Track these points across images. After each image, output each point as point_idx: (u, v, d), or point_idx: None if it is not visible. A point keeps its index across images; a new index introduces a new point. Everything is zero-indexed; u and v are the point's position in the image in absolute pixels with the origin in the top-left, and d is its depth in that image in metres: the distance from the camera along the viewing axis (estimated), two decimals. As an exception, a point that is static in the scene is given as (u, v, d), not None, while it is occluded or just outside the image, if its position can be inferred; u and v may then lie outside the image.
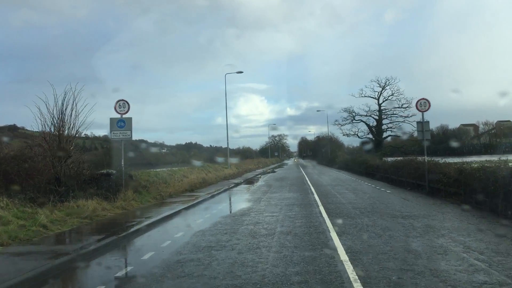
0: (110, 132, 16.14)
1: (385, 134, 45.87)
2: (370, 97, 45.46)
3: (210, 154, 60.20)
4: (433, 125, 41.00)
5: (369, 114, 45.58)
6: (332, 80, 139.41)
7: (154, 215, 12.52)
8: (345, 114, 47.10)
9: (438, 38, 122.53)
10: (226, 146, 43.24)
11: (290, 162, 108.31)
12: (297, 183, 26.38)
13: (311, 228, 9.74)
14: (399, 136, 44.98)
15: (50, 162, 14.74)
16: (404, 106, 43.30)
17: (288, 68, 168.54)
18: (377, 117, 45.69)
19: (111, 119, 16.14)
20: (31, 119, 14.54)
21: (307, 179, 30.47)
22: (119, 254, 8.46)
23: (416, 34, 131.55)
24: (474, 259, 6.44)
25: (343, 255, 6.90)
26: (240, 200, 18.05)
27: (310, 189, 21.31)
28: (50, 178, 14.56)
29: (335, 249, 7.38)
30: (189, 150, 72.87)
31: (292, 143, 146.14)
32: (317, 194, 18.27)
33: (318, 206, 13.85)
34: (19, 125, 53.44)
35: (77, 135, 15.91)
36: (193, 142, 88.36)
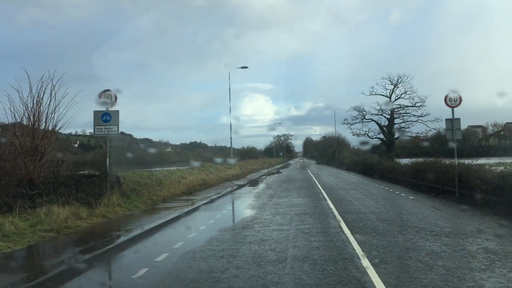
0: (94, 127, 14.05)
1: (397, 134, 43.33)
2: (381, 95, 42.94)
3: (214, 153, 58.68)
4: (439, 126, 38.45)
5: (380, 113, 43.03)
6: (337, 80, 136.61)
7: (137, 226, 10.33)
8: (355, 113, 44.40)
9: (443, 39, 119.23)
10: (230, 146, 41.12)
11: (295, 162, 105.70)
12: (306, 186, 24.12)
13: (333, 250, 7.52)
14: (417, 137, 42.25)
15: (21, 161, 12.71)
16: (417, 105, 40.83)
17: (294, 68, 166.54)
18: (388, 116, 43.18)
19: (95, 112, 14.05)
20: (1, 111, 12.58)
21: (316, 181, 28.21)
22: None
23: (422, 35, 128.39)
24: None
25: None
26: (243, 206, 15.82)
27: (321, 193, 19.06)
28: (22, 179, 12.53)
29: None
30: (193, 149, 71.43)
31: (297, 144, 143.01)
32: (330, 200, 16.03)
33: (335, 217, 11.64)
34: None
35: (57, 129, 13.85)
36: (198, 141, 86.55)
